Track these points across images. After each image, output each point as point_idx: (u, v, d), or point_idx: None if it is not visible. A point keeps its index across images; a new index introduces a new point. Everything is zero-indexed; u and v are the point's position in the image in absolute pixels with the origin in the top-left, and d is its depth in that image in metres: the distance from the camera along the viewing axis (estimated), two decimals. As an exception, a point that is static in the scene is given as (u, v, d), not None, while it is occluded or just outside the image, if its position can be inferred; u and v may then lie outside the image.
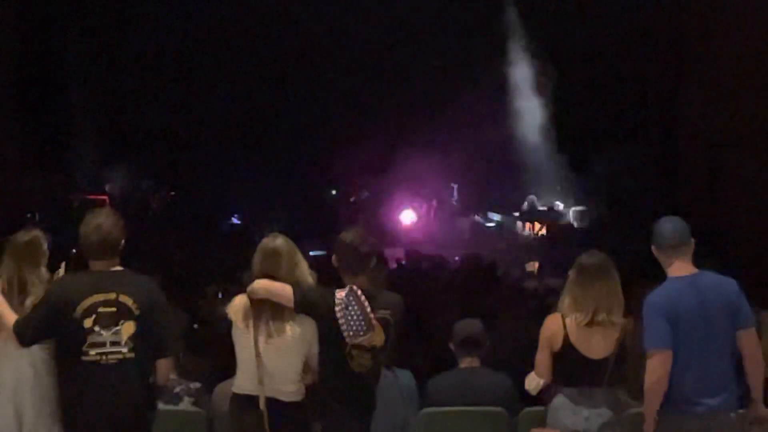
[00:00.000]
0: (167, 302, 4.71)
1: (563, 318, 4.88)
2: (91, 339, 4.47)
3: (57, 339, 4.56)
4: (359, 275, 4.74)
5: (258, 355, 4.60)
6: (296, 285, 4.66)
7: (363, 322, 4.55)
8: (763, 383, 4.79)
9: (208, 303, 8.11)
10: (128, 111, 18.67)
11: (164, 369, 4.66)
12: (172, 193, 19.07)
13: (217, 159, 18.84)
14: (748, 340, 4.69)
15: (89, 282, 4.56)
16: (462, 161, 18.83)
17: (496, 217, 19.94)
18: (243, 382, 4.71)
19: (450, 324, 5.77)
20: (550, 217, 18.96)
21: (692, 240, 4.80)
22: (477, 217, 19.88)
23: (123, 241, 4.64)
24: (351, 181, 19.96)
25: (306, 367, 4.71)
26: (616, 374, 4.87)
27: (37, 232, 4.87)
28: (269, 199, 18.75)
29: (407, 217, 19.40)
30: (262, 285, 4.66)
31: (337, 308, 4.58)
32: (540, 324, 5.01)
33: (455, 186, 20.10)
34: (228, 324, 4.78)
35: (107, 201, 17.48)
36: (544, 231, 18.97)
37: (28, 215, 15.34)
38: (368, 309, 4.58)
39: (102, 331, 4.47)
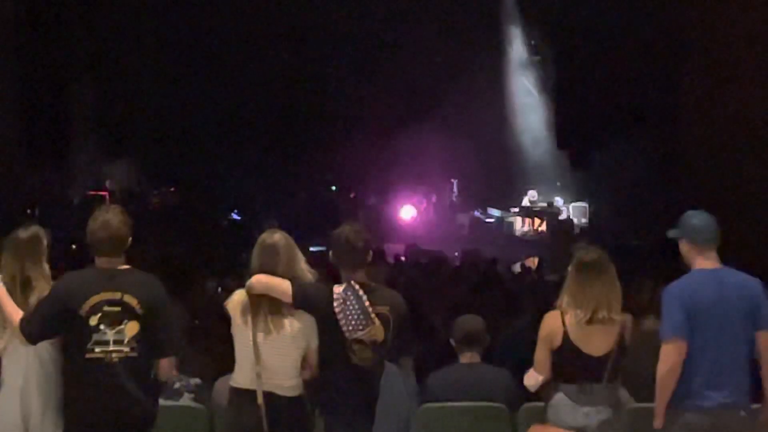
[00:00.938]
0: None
1: (563, 315, 4.86)
2: (96, 337, 4.49)
3: (62, 335, 4.57)
4: (357, 270, 4.73)
5: (256, 350, 4.60)
6: (294, 280, 4.64)
7: (362, 317, 4.55)
8: None
9: (208, 298, 8.12)
10: (128, 107, 18.67)
11: (166, 367, 4.67)
12: (172, 189, 19.06)
13: (217, 155, 18.86)
14: (767, 342, 4.67)
15: (95, 280, 4.56)
16: (462, 157, 18.83)
17: (496, 212, 19.95)
18: (241, 377, 4.70)
19: (450, 319, 5.76)
20: (549, 213, 18.96)
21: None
22: (477, 213, 19.88)
23: (129, 240, 4.65)
24: (351, 177, 19.96)
25: (305, 363, 4.70)
26: (616, 371, 4.86)
27: (37, 228, 4.84)
28: (269, 194, 18.77)
29: (407, 212, 19.42)
30: (260, 280, 4.64)
31: (335, 303, 4.58)
32: (539, 321, 5.01)
33: (455, 182, 20.14)
34: (227, 319, 4.78)
35: (107, 198, 17.47)
36: (543, 227, 18.97)
37: (27, 211, 15.32)
38: (367, 304, 4.58)
39: (106, 330, 4.49)
